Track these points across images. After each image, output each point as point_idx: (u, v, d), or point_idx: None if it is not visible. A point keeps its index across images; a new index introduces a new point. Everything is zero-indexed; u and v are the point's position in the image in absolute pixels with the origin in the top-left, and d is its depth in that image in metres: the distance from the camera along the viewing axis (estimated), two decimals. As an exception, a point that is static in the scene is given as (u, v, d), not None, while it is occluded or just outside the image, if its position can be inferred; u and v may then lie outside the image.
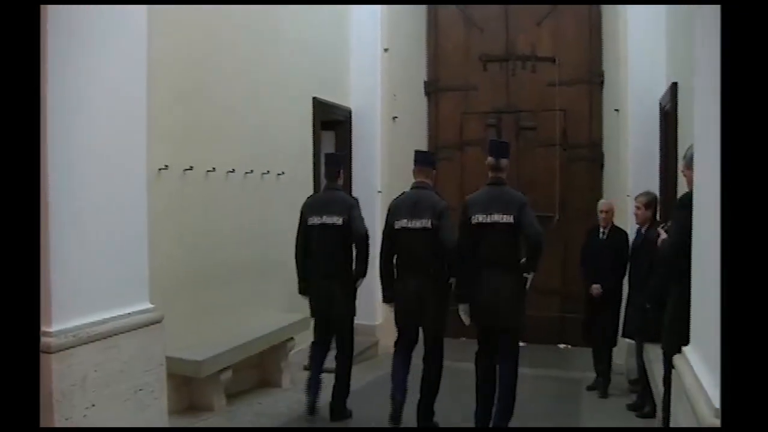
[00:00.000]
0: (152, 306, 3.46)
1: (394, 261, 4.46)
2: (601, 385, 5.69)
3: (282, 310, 5.99)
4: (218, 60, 5.20)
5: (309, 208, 4.68)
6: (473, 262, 4.05)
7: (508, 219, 3.99)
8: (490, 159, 4.21)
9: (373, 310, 7.31)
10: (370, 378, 6.23)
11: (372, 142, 7.40)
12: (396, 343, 4.46)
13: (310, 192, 6.46)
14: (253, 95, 5.66)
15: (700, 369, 2.45)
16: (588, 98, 7.89)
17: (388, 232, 4.42)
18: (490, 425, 4.09)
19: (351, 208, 4.53)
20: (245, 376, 5.40)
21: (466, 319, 4.16)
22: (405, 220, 4.35)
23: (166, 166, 4.60)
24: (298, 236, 4.69)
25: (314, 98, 6.64)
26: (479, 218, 4.06)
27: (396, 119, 7.65)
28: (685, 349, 2.79)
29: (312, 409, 4.59)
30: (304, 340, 6.11)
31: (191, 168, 4.85)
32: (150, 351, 3.26)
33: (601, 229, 5.73)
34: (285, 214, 6.04)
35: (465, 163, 8.33)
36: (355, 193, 7.13)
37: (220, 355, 4.73)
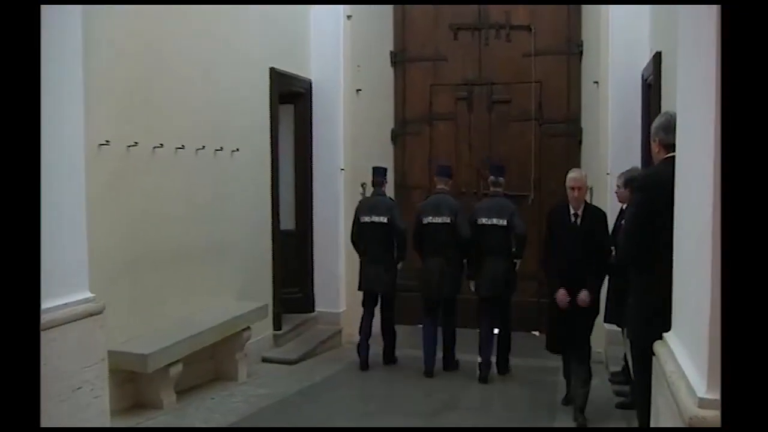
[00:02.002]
0: (92, 295, 3.39)
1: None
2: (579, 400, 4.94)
3: (238, 297, 5.96)
4: (167, 25, 5.07)
5: (361, 209, 6.39)
6: (479, 251, 6.00)
7: (502, 222, 5.91)
8: (491, 177, 6.17)
9: (336, 296, 7.39)
10: (331, 371, 6.25)
11: (334, 117, 7.35)
12: (424, 310, 6.23)
13: (268, 170, 6.53)
14: (205, 64, 5.56)
15: (682, 356, 2.47)
16: (566, 69, 7.91)
17: (418, 226, 6.20)
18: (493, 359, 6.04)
19: (392, 209, 6.28)
20: (197, 370, 5.35)
21: (474, 289, 6.11)
22: (431, 217, 6.13)
23: (107, 141, 4.49)
24: (353, 231, 6.46)
25: (271, 69, 6.55)
26: (483, 221, 5.97)
27: (360, 92, 7.59)
28: (666, 335, 2.82)
29: (365, 365, 6.25)
30: (262, 329, 6.20)
31: (135, 144, 4.74)
32: (90, 345, 3.18)
33: (572, 211, 4.82)
34: (240, 193, 6.06)
35: (434, 138, 8.34)
36: (316, 172, 7.31)
37: (168, 347, 4.67)
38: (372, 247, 6.26)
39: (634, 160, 5.81)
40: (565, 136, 7.90)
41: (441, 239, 6.08)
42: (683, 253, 2.61)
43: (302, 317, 7.19)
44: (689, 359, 2.35)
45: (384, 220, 6.22)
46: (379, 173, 6.52)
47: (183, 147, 5.23)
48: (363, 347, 6.27)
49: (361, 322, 6.34)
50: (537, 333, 7.51)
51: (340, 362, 6.55)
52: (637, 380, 3.45)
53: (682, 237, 2.66)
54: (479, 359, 5.97)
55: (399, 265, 6.32)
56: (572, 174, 4.96)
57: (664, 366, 2.65)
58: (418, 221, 6.20)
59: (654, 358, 2.96)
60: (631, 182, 4.60)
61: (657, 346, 2.91)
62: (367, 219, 6.29)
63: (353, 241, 6.49)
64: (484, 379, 5.93)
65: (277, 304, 6.59)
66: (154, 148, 4.94)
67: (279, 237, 6.67)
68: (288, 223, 7.18)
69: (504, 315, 6.08)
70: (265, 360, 6.27)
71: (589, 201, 5.30)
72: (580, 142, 7.77)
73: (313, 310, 7.38)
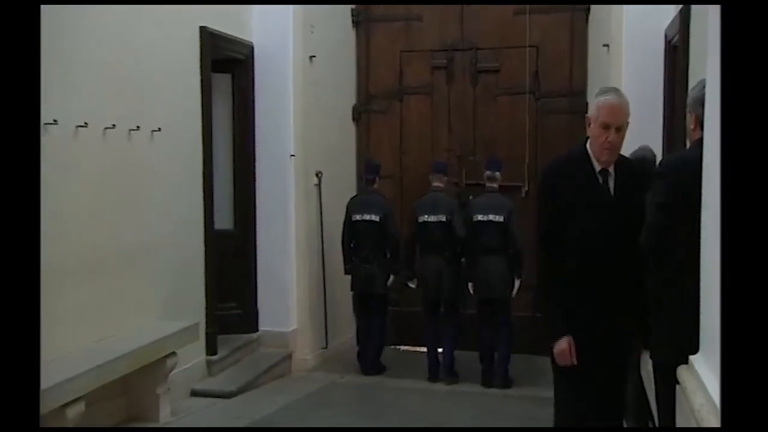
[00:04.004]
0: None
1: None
2: None
3: (159, 315, 5.88)
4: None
5: (353, 206, 7.27)
6: (476, 249, 6.76)
7: (499, 219, 6.66)
8: (488, 172, 6.94)
9: (285, 312, 7.40)
10: (279, 405, 6.23)
11: (282, 90, 7.30)
12: (423, 311, 7.16)
13: (199, 155, 6.51)
14: (115, 20, 5.42)
15: (713, 386, 2.45)
16: (568, 30, 7.89)
17: (413, 224, 7.04)
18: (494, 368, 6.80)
19: (386, 209, 7.20)
20: (106, 410, 5.26)
21: (471, 291, 6.88)
22: (426, 216, 6.95)
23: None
24: (344, 229, 7.28)
25: (202, 29, 6.47)
26: (479, 217, 6.74)
27: (314, 59, 7.53)
28: (692, 359, 2.81)
29: (370, 369, 7.23)
30: (191, 355, 6.14)
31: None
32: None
33: (597, 167, 3.59)
34: (162, 184, 6.00)
35: (406, 116, 8.35)
36: (261, 158, 7.37)
37: (66, 382, 4.49)
38: (364, 247, 7.14)
39: (654, 141, 5.72)
40: (567, 112, 7.84)
41: (437, 238, 6.92)
42: (710, 263, 2.61)
43: (243, 339, 7.15)
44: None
45: (377, 218, 7.09)
46: (370, 170, 7.44)
47: (86, 125, 5.06)
48: (363, 354, 7.26)
49: (357, 329, 7.36)
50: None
51: (291, 394, 6.54)
52: (661, 411, 3.44)
53: (707, 240, 2.66)
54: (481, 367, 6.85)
55: (390, 280, 7.19)
56: (608, 98, 3.54)
57: (692, 398, 2.64)
58: (412, 220, 7.08)
59: (678, 387, 2.95)
60: (642, 165, 4.54)
61: (682, 371, 2.89)
62: (358, 217, 7.15)
63: (344, 242, 7.27)
64: (488, 384, 6.81)
65: (210, 323, 6.52)
66: (46, 125, 4.72)
67: (213, 239, 6.61)
68: (224, 221, 7.12)
69: (504, 319, 6.81)
70: (195, 394, 6.21)
71: None
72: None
73: (257, 330, 7.34)
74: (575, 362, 3.53)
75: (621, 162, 3.64)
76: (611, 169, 3.58)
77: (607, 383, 3.62)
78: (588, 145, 3.61)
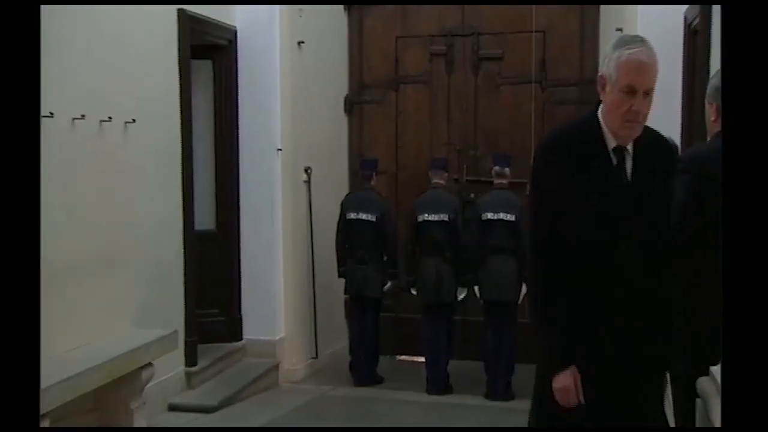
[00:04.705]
0: None
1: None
2: None
3: (135, 322, 5.83)
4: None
5: (347, 204, 7.38)
6: (484, 249, 6.86)
7: (510, 217, 6.77)
8: (496, 168, 7.03)
9: (272, 319, 7.37)
10: (265, 420, 6.21)
11: (268, 78, 7.26)
12: (423, 314, 7.20)
13: (177, 149, 6.51)
14: (84, 5, 5.37)
15: None
16: (578, 14, 7.86)
17: (413, 224, 7.13)
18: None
19: (384, 208, 7.31)
20: (75, 425, 5.16)
21: (477, 294, 7.00)
22: (426, 214, 7.03)
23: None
24: (338, 229, 7.40)
25: (180, 11, 6.42)
26: (489, 215, 6.84)
27: (302, 45, 7.53)
28: (714, 370, 2.79)
29: (363, 380, 7.31)
30: (169, 366, 6.11)
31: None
32: None
33: (611, 144, 2.93)
34: (137, 180, 5.97)
35: (402, 107, 8.34)
36: (246, 152, 7.40)
37: (32, 394, 4.41)
38: (359, 247, 7.22)
39: (672, 131, 5.71)
40: (576, 103, 7.78)
41: (438, 238, 7.02)
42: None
43: (225, 348, 7.12)
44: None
45: (373, 218, 7.19)
46: (367, 165, 7.52)
47: (51, 115, 4.97)
48: (357, 364, 7.31)
49: (350, 336, 7.46)
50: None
51: (277, 408, 6.53)
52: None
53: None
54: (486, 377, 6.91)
55: (388, 285, 7.30)
56: (634, 51, 2.78)
57: (711, 415, 2.61)
58: (412, 219, 7.16)
59: (698, 401, 2.95)
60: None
61: (701, 384, 2.88)
62: (354, 216, 7.25)
63: (338, 242, 7.38)
64: (492, 397, 6.87)
65: (190, 331, 6.48)
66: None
67: (193, 240, 6.58)
68: (206, 221, 7.10)
69: (510, 326, 6.90)
70: (172, 408, 6.18)
71: None
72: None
73: (241, 338, 7.31)
74: (582, 400, 2.87)
75: (641, 136, 2.90)
76: (629, 147, 2.89)
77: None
78: (600, 114, 2.91)
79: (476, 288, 6.98)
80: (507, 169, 7.00)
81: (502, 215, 6.78)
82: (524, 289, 6.71)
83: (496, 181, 7.02)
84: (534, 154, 3.16)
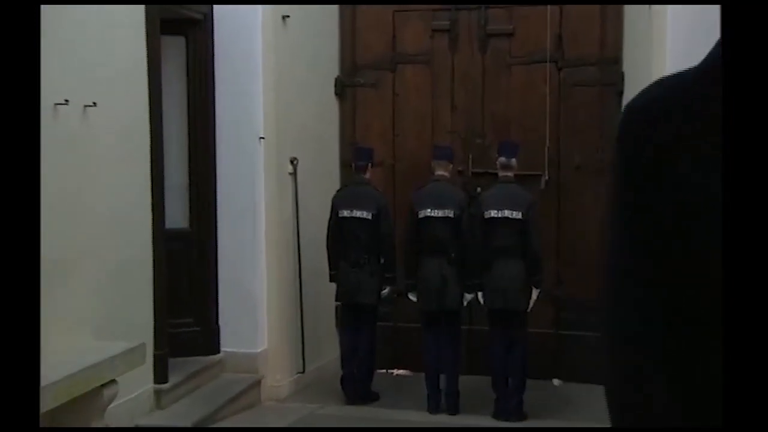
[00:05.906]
0: None
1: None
2: None
3: (96, 333, 5.80)
4: None
5: (339, 200, 7.32)
6: (488, 251, 6.74)
7: (517, 215, 6.61)
8: (501, 159, 6.89)
9: (254, 329, 7.42)
10: None
11: (249, 57, 7.29)
12: (424, 323, 7.11)
13: (145, 137, 6.51)
14: None
15: None
16: (599, -17, 7.90)
17: (413, 221, 6.99)
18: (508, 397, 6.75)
19: (380, 204, 7.21)
20: None
21: (482, 301, 6.92)
22: (428, 210, 6.89)
23: None
24: (329, 228, 7.31)
25: None
26: (493, 213, 6.69)
27: (287, 20, 7.50)
28: None
29: (355, 398, 7.21)
30: (136, 383, 6.08)
31: None
32: None
33: None
34: (100, 173, 5.96)
35: (400, 90, 8.38)
36: (225, 141, 7.49)
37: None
38: (353, 249, 7.14)
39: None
40: (597, 85, 7.86)
41: (442, 237, 6.88)
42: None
43: (201, 362, 7.12)
44: None
45: (368, 215, 7.10)
46: (361, 155, 7.45)
47: (0, 99, 4.89)
48: (349, 379, 7.24)
49: (342, 347, 7.45)
50: (557, 382, 7.72)
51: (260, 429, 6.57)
52: None
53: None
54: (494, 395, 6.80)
55: (385, 291, 7.22)
56: None
57: None
58: (411, 216, 7.03)
59: None
60: None
61: None
62: (346, 213, 7.16)
63: (329, 242, 7.30)
64: (501, 417, 6.75)
65: (160, 344, 6.43)
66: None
67: (163, 240, 6.54)
68: (178, 219, 7.12)
69: (520, 337, 6.84)
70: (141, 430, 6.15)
71: None
72: (620, 94, 7.65)
73: (218, 351, 7.32)
74: None
75: None
76: None
77: None
78: None
79: (479, 294, 6.90)
80: (514, 160, 6.89)
81: (507, 213, 6.65)
82: (534, 295, 6.73)
83: (502, 173, 6.91)
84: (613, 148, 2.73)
